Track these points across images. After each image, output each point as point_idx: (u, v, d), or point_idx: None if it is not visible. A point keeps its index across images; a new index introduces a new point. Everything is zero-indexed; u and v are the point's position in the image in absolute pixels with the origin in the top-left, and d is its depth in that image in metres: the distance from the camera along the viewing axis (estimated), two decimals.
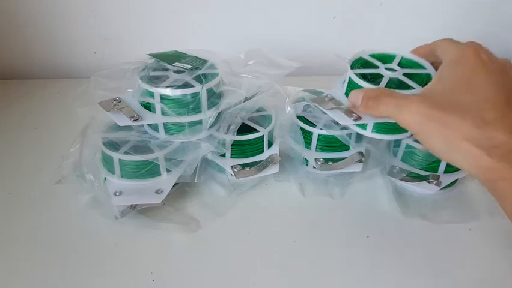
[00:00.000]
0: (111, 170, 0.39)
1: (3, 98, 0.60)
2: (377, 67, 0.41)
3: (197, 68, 0.40)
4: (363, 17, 0.65)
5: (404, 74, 0.40)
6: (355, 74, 0.39)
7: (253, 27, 0.66)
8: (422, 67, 0.41)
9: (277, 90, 0.43)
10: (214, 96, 0.41)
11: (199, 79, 0.39)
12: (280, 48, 0.49)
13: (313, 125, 0.43)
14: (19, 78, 0.67)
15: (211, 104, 0.40)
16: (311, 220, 0.40)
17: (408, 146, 0.42)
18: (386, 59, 0.42)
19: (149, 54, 0.42)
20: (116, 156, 0.38)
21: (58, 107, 0.58)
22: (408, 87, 0.38)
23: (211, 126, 0.41)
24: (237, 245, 0.37)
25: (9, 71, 0.68)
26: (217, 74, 0.41)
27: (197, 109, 0.39)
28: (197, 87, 0.39)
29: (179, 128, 0.40)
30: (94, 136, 0.40)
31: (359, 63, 0.41)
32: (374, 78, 0.39)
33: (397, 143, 0.43)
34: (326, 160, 0.42)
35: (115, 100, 0.40)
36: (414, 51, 0.41)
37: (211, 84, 0.39)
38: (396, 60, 0.42)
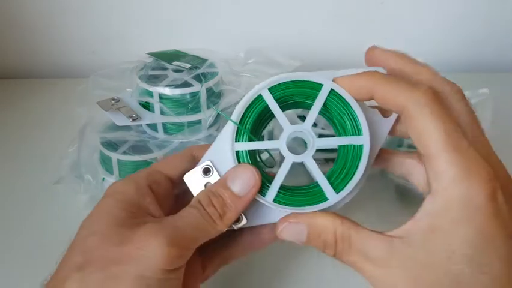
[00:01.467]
0: (109, 170, 0.39)
1: (1, 98, 0.60)
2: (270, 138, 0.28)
3: (196, 67, 0.40)
4: (364, 15, 0.65)
5: (322, 152, 0.27)
6: (239, 153, 0.26)
7: (253, 26, 0.65)
8: (357, 128, 0.25)
9: None
10: (214, 96, 0.40)
11: (199, 78, 0.39)
12: (280, 47, 0.49)
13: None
14: (17, 77, 0.66)
15: (211, 104, 0.40)
16: None
17: (410, 146, 0.42)
18: (303, 94, 0.26)
19: (148, 53, 0.42)
20: (115, 156, 0.38)
21: (56, 106, 0.57)
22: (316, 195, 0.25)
23: (211, 126, 0.40)
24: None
25: (7, 70, 0.67)
26: (216, 73, 0.40)
27: (196, 109, 0.39)
28: (196, 87, 0.38)
29: (179, 127, 0.40)
30: (92, 136, 0.40)
31: (252, 114, 0.26)
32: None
33: (399, 143, 0.43)
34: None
35: (113, 99, 0.40)
36: (346, 82, 0.25)
37: (210, 83, 0.39)
38: (321, 100, 0.26)
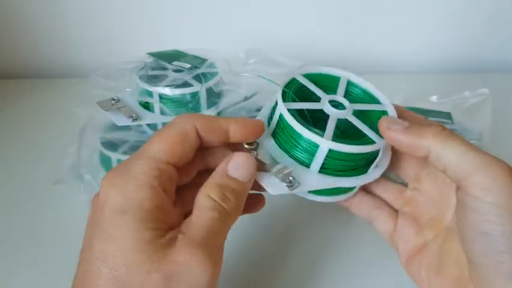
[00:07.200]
0: (109, 170, 0.39)
1: (1, 98, 0.60)
2: (319, 99, 0.30)
3: (196, 67, 0.40)
4: (364, 16, 0.65)
5: (355, 113, 0.30)
6: (289, 110, 0.28)
7: (253, 26, 0.65)
8: (375, 100, 0.32)
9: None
10: (214, 96, 0.40)
11: (199, 78, 0.39)
12: (280, 47, 0.49)
13: None
14: (17, 77, 0.66)
15: (211, 104, 0.40)
16: (312, 220, 0.40)
17: None
18: (327, 82, 0.33)
19: (148, 53, 0.42)
20: (115, 156, 0.38)
21: (56, 106, 0.57)
22: (358, 135, 0.29)
23: None
24: (235, 244, 0.37)
25: (7, 70, 0.67)
26: (216, 73, 0.40)
27: (196, 109, 0.39)
28: (196, 87, 0.38)
29: None
30: (92, 136, 0.40)
31: (292, 88, 0.31)
32: (314, 114, 0.30)
33: None
34: None
35: (113, 99, 0.39)
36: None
37: (210, 83, 0.39)
38: (342, 87, 0.32)
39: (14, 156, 0.48)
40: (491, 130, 0.44)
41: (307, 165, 0.29)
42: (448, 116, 0.46)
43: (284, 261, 0.36)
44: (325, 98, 0.30)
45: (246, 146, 0.28)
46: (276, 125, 0.29)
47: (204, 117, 0.26)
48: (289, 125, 0.28)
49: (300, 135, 0.28)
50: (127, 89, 0.41)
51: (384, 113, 0.30)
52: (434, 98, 0.50)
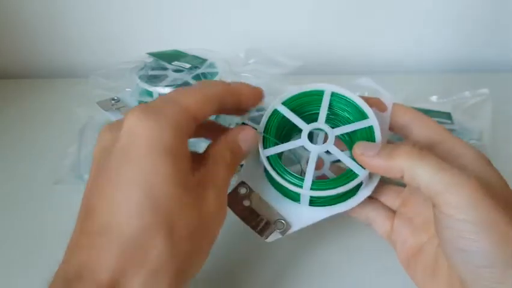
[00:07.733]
0: None
1: (1, 98, 0.60)
2: (299, 132, 0.30)
3: (196, 67, 0.40)
4: (364, 15, 0.65)
5: (340, 137, 0.30)
6: (271, 157, 0.29)
7: (253, 26, 0.65)
8: (362, 115, 0.29)
9: (277, 89, 0.43)
10: None
11: (199, 78, 0.39)
12: (281, 47, 0.49)
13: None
14: (17, 77, 0.66)
15: None
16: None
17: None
18: (310, 104, 0.31)
19: (148, 53, 0.42)
20: None
21: (56, 106, 0.57)
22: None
23: None
24: (233, 244, 0.37)
25: (7, 70, 0.67)
26: (216, 73, 0.40)
27: None
28: None
29: None
30: (92, 136, 0.40)
31: (274, 124, 0.30)
32: (310, 116, 0.30)
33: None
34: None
35: (113, 99, 0.40)
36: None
37: None
38: (325, 104, 0.30)
39: (14, 156, 0.48)
40: (491, 130, 0.44)
41: (298, 200, 0.29)
42: (448, 116, 0.46)
43: (284, 261, 0.36)
44: (306, 129, 0.29)
45: None
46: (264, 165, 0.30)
47: (222, 83, 0.29)
48: (271, 176, 0.29)
49: (279, 185, 0.29)
50: (127, 89, 0.41)
51: (370, 128, 0.29)
52: (434, 98, 0.50)
